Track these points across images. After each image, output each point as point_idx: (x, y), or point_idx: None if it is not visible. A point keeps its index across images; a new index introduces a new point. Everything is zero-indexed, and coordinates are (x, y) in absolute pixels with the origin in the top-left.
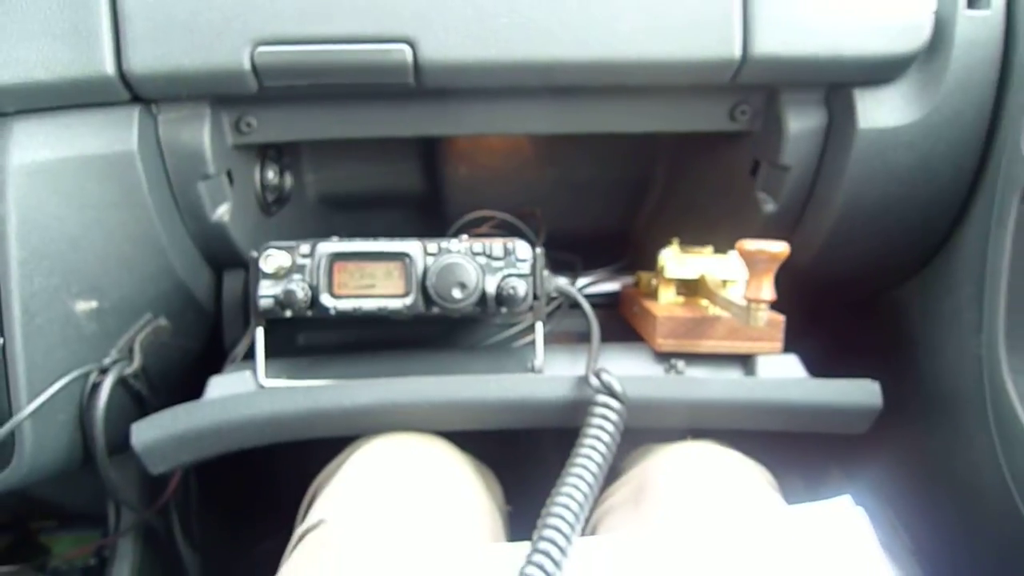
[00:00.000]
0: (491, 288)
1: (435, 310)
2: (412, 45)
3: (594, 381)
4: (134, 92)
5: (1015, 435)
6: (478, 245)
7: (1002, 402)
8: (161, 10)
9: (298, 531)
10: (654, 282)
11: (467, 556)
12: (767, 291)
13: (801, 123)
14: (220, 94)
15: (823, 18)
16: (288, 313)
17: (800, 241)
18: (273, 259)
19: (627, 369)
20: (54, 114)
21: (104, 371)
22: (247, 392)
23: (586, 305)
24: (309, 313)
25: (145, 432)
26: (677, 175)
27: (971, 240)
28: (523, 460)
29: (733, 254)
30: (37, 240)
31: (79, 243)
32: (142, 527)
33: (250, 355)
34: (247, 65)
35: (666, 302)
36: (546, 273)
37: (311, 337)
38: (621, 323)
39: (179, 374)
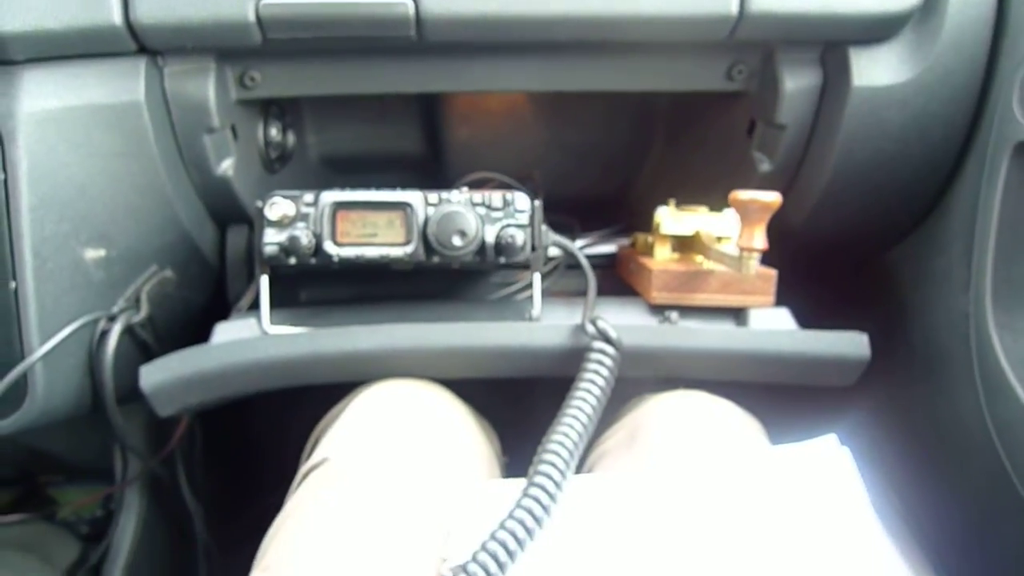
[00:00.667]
0: (490, 237)
1: (435, 259)
2: None
3: (590, 328)
4: (140, 43)
5: (999, 388)
6: (478, 196)
7: (988, 356)
8: None
9: (302, 470)
10: (650, 239)
11: (465, 490)
12: (759, 240)
13: (797, 82)
14: (225, 47)
15: None
16: (292, 260)
17: (794, 201)
18: (278, 207)
19: (622, 320)
20: (63, 63)
21: (112, 319)
22: (252, 337)
23: (582, 258)
24: (312, 261)
25: (153, 374)
26: (674, 138)
27: (962, 199)
28: (521, 415)
29: (728, 212)
30: (47, 187)
31: (87, 191)
32: (148, 477)
33: (255, 307)
34: (252, 17)
35: (661, 258)
36: (544, 227)
37: (314, 293)
38: (618, 282)
39: (184, 325)
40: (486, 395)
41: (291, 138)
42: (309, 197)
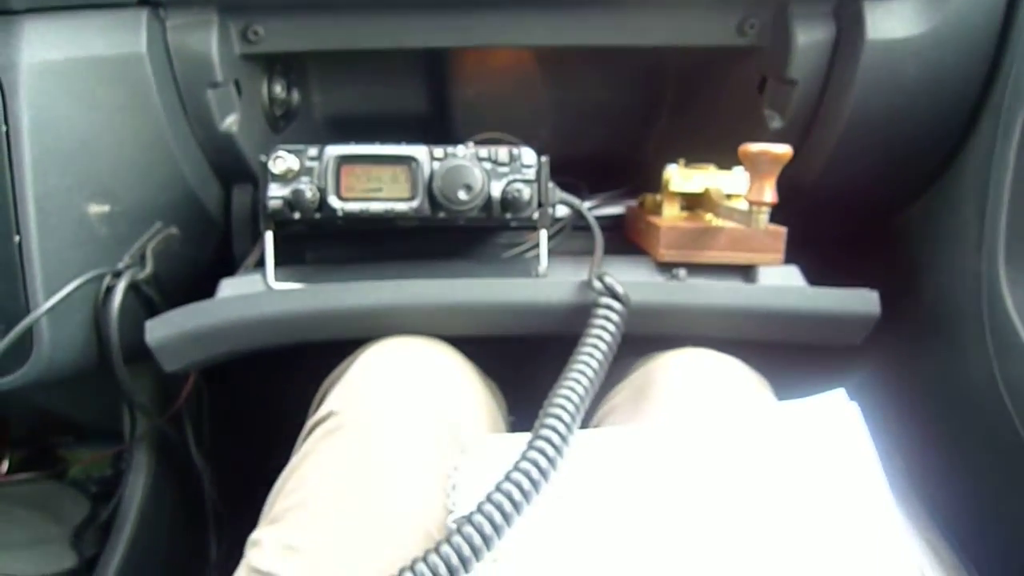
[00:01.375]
0: (496, 192)
1: (441, 214)
2: None
3: (596, 284)
4: None
5: (1011, 347)
6: (484, 151)
7: (999, 313)
8: None
9: (308, 424)
10: (659, 198)
11: (470, 443)
12: (769, 194)
13: (809, 36)
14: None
15: None
16: (296, 215)
17: (805, 158)
18: (282, 161)
19: (629, 278)
20: (64, 14)
21: (117, 275)
22: (257, 292)
23: (589, 216)
24: (317, 215)
25: (159, 329)
26: (683, 97)
27: (976, 157)
28: (527, 375)
29: (738, 169)
30: (50, 140)
31: (90, 145)
32: (156, 436)
33: (261, 265)
34: None
35: (670, 216)
36: (551, 185)
37: (320, 253)
38: (626, 243)
39: (190, 283)
40: (493, 355)
41: (296, 96)
42: (313, 151)
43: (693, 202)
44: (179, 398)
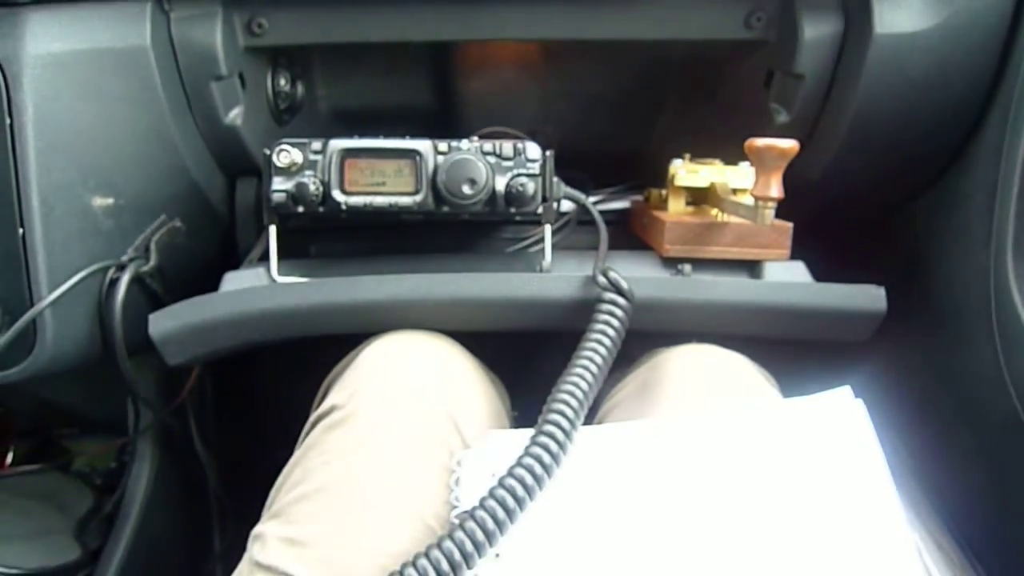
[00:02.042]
0: (500, 187)
1: (445, 208)
2: None
3: (601, 279)
4: None
5: (1019, 340)
6: (488, 145)
7: (1007, 308)
8: None
9: (311, 418)
10: (664, 193)
11: (473, 438)
12: (775, 189)
13: (817, 29)
14: None
15: None
16: (300, 208)
17: (812, 153)
18: (286, 154)
19: (634, 273)
20: (67, 6)
21: (121, 268)
22: (261, 285)
23: (594, 210)
24: (320, 209)
25: (162, 322)
26: (690, 91)
27: (985, 152)
28: (531, 372)
29: (743, 165)
30: (53, 132)
31: (94, 137)
32: (160, 429)
33: (264, 259)
34: None
35: (675, 211)
36: (556, 179)
37: (324, 247)
38: (631, 238)
39: (194, 277)
40: (497, 350)
41: (300, 89)
42: (317, 145)
43: (698, 197)
44: (183, 391)
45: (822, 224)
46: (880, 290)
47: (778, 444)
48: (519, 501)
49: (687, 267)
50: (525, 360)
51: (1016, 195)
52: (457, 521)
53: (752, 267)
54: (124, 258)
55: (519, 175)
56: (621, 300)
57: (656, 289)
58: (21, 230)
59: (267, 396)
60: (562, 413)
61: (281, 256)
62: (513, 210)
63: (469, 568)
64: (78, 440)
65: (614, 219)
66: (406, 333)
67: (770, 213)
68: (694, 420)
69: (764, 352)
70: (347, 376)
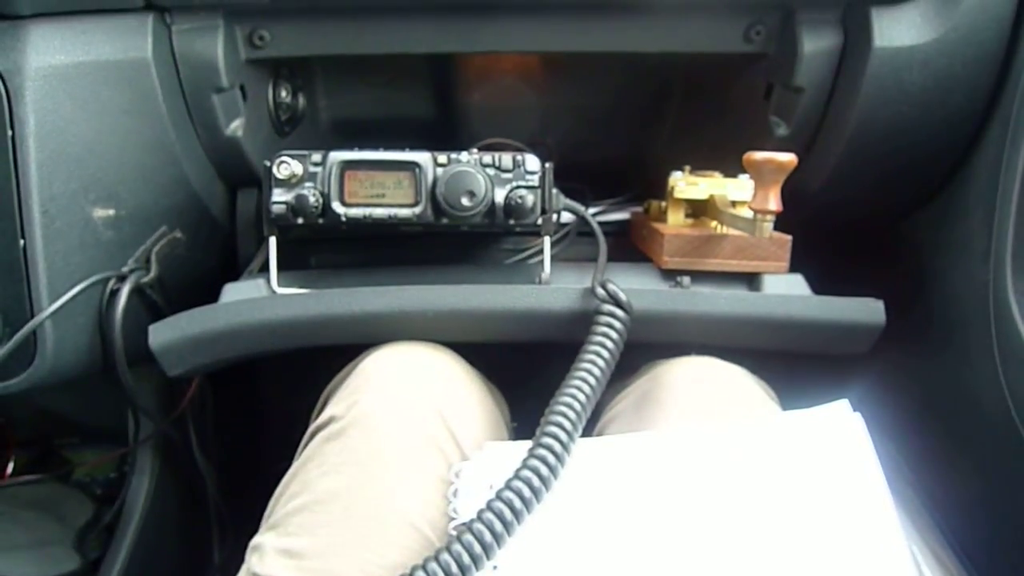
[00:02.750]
0: (500, 199)
1: (444, 220)
2: None
3: (599, 291)
4: None
5: (1018, 355)
6: (488, 157)
7: (1006, 325)
8: None
9: (310, 429)
10: (663, 205)
11: (471, 450)
12: (774, 202)
13: (816, 43)
14: (233, 4)
15: None
16: (300, 220)
17: (811, 166)
18: (286, 166)
19: (633, 285)
20: (69, 19)
21: (122, 279)
22: (260, 297)
23: (593, 222)
24: (320, 221)
25: (162, 333)
26: (689, 104)
27: (984, 166)
28: (530, 384)
29: (742, 177)
30: (55, 144)
31: (95, 149)
32: (160, 439)
33: (265, 270)
34: None
35: (675, 223)
36: (555, 191)
37: (324, 259)
38: (630, 250)
39: (194, 287)
40: (495, 362)
41: (301, 101)
42: (317, 157)
43: (698, 209)
44: (183, 401)
45: (821, 237)
46: (879, 303)
47: (776, 457)
48: (516, 513)
49: (686, 279)
50: (524, 371)
51: (1015, 210)
52: (455, 533)
53: (751, 279)
54: (124, 269)
55: (518, 187)
56: (620, 312)
57: (655, 301)
58: (22, 241)
59: (267, 407)
60: (560, 425)
61: (281, 267)
62: (512, 222)
63: None
64: (78, 450)
65: (613, 231)
66: (405, 344)
67: (769, 226)
68: (692, 433)
69: (763, 364)
70: (346, 387)
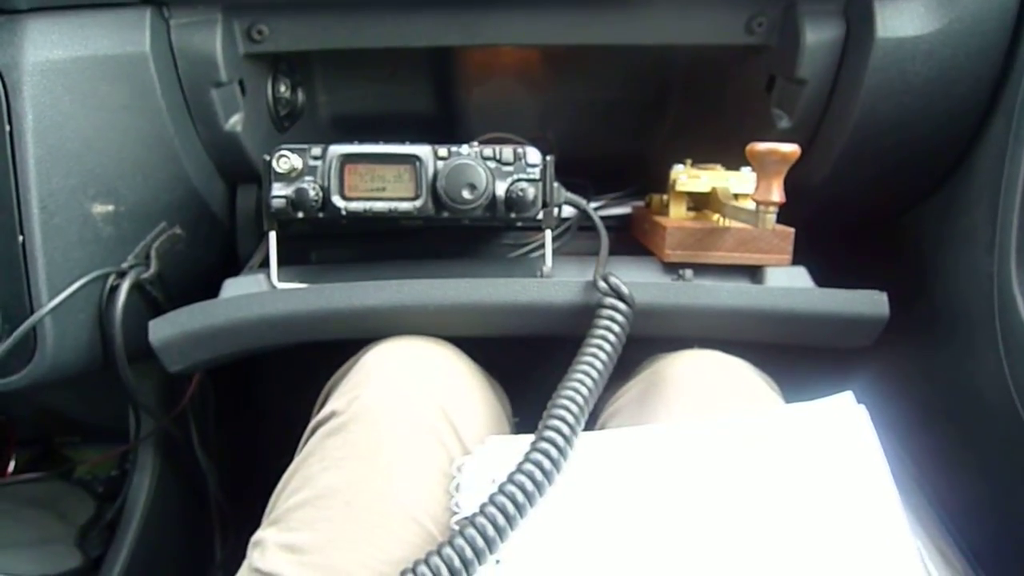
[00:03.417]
0: (501, 192)
1: (445, 213)
2: None
3: (601, 285)
4: None
5: (1021, 346)
6: (488, 150)
7: (1010, 318)
8: None
9: (311, 424)
10: (665, 199)
11: (474, 444)
12: (777, 193)
13: (818, 35)
14: None
15: None
16: (299, 214)
17: (813, 159)
18: (286, 160)
19: (635, 278)
20: (67, 13)
21: (122, 275)
22: (261, 292)
23: (595, 216)
24: (320, 215)
25: (162, 328)
26: (691, 97)
27: (988, 157)
28: (532, 378)
29: (745, 169)
30: (53, 140)
31: (94, 145)
32: (161, 437)
33: (265, 265)
34: None
35: (677, 216)
36: (556, 184)
37: (324, 254)
38: (632, 244)
39: (194, 283)
40: (497, 356)
41: (301, 96)
42: (317, 150)
43: (700, 202)
44: (184, 398)
45: (824, 229)
46: (882, 296)
47: (780, 450)
48: (519, 507)
49: (688, 272)
50: (526, 365)
51: (1020, 201)
52: (457, 527)
53: (754, 272)
54: (124, 265)
55: (519, 180)
56: (622, 305)
57: (657, 294)
58: (21, 237)
59: (268, 402)
60: (562, 419)
61: (281, 262)
62: (513, 215)
63: (469, 574)
64: (79, 448)
65: (615, 224)
66: (406, 339)
67: (771, 218)
68: (696, 426)
69: (766, 357)
70: (347, 382)
